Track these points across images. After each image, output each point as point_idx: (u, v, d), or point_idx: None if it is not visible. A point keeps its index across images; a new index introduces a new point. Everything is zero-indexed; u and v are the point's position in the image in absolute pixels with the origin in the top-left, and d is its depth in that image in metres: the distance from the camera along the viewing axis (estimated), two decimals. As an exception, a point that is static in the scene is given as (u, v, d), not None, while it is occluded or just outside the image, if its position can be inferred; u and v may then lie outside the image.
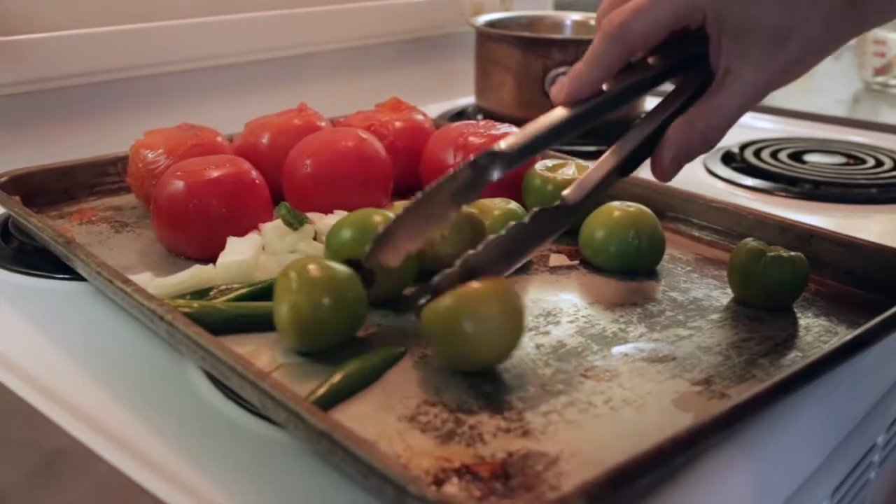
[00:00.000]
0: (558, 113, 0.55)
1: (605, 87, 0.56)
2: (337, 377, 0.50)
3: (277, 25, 1.10)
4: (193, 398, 0.52)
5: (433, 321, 0.51)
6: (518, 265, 0.56)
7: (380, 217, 0.62)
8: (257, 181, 0.70)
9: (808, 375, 0.49)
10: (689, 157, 0.56)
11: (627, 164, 0.57)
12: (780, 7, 0.51)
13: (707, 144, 0.55)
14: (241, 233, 0.67)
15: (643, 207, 0.69)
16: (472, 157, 0.54)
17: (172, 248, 0.69)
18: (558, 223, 0.56)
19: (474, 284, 0.50)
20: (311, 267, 0.53)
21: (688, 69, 0.57)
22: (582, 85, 0.55)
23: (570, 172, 0.74)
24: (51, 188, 0.79)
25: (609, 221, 0.67)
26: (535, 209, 0.55)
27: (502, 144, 0.53)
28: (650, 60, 0.57)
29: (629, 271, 0.67)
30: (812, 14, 0.51)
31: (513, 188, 0.75)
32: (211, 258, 0.64)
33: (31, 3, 0.93)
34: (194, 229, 0.67)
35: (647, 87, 0.57)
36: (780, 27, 0.51)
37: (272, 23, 1.09)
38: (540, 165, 0.74)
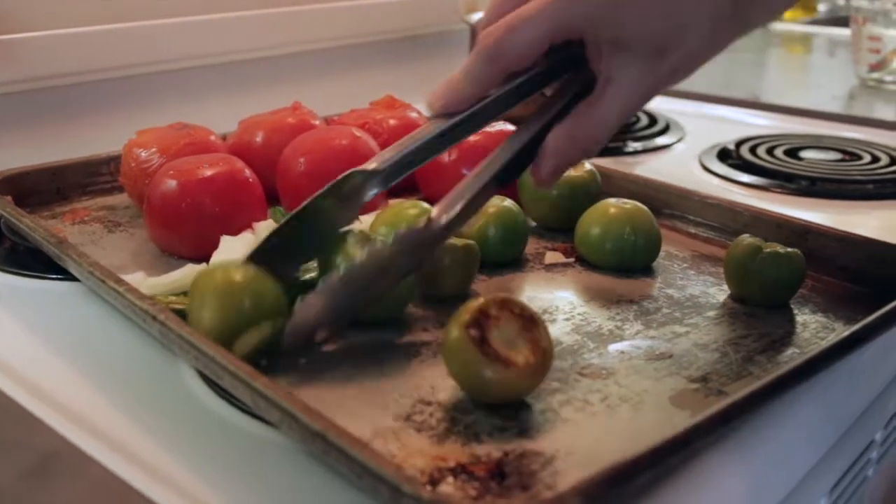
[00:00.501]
0: (433, 126, 0.54)
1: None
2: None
3: (271, 23, 1.09)
4: (187, 398, 0.51)
5: (455, 360, 0.48)
6: (376, 297, 0.52)
7: (415, 210, 0.61)
8: (250, 179, 0.70)
9: (805, 372, 0.49)
10: (569, 167, 0.55)
11: (506, 174, 0.53)
12: (660, 20, 0.50)
13: (586, 153, 0.54)
14: (235, 232, 0.66)
15: (639, 204, 0.68)
16: (342, 175, 0.53)
17: (165, 248, 0.69)
18: (427, 248, 0.51)
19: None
20: (225, 273, 0.52)
21: (569, 70, 0.55)
22: (459, 99, 0.53)
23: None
24: (43, 188, 0.79)
25: (605, 219, 0.67)
26: (398, 232, 0.50)
27: (373, 163, 0.52)
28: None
29: (625, 269, 0.67)
30: (693, 24, 0.50)
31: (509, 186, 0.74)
32: (204, 257, 0.63)
33: (22, 2, 0.92)
34: (187, 228, 0.67)
35: (526, 92, 0.55)
36: (660, 39, 0.50)
37: (266, 21, 1.09)
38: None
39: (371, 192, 0.54)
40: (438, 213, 0.51)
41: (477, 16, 1.14)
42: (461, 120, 0.54)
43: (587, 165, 0.74)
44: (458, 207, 0.51)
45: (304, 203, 0.55)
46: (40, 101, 0.93)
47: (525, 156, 0.54)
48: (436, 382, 0.51)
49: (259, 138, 0.80)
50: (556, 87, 0.56)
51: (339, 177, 0.54)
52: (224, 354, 0.47)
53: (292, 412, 0.42)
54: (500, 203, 0.67)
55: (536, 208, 0.73)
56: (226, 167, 0.69)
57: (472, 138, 0.75)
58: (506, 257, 0.67)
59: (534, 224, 0.74)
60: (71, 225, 0.75)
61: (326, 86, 1.16)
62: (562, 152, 0.53)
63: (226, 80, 1.07)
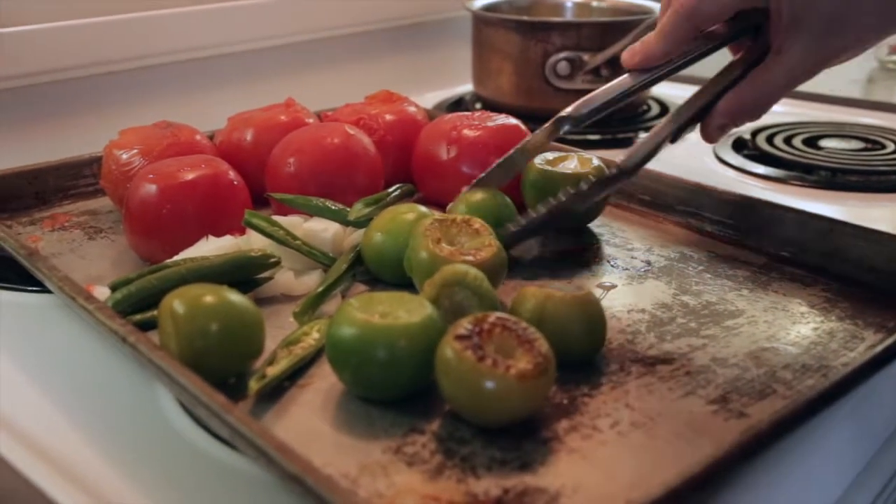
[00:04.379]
0: (630, 80, 0.62)
1: None
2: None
3: (262, 13, 1.05)
4: (164, 429, 0.47)
5: (451, 377, 0.44)
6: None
7: (412, 214, 0.59)
8: (235, 182, 0.66)
9: (834, 395, 0.45)
10: (735, 126, 0.61)
11: (679, 132, 0.61)
12: (836, 1, 0.54)
13: (752, 116, 0.60)
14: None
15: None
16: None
17: (146, 256, 0.65)
18: (614, 187, 0.62)
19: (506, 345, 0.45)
20: (192, 296, 0.48)
21: (747, 37, 0.61)
22: (653, 55, 0.61)
23: (571, 166, 0.69)
24: (21, 192, 0.75)
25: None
26: (595, 179, 0.61)
27: (569, 109, 0.63)
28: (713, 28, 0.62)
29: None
30: (868, 5, 0.54)
31: (510, 184, 0.69)
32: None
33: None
34: (168, 235, 0.63)
35: (706, 53, 0.62)
36: (837, 17, 0.54)
37: (257, 11, 1.04)
38: (539, 159, 0.69)
39: (564, 129, 0.64)
40: (626, 158, 0.60)
41: (479, 2, 1.10)
42: (651, 76, 0.62)
43: (594, 161, 0.69)
44: (640, 157, 0.60)
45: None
46: (18, 99, 0.89)
47: (696, 118, 0.61)
48: (430, 409, 0.46)
49: (249, 136, 0.76)
50: (736, 54, 0.62)
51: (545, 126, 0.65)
52: (195, 382, 0.43)
53: (267, 452, 0.38)
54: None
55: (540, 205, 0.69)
56: (209, 170, 0.65)
57: (473, 134, 0.72)
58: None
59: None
60: (50, 232, 0.71)
61: (321, 78, 1.12)
62: (730, 113, 0.59)
63: (215, 73, 1.02)
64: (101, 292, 0.56)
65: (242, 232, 0.64)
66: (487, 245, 0.56)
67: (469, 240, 0.57)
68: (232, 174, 0.66)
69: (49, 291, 0.60)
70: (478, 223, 0.57)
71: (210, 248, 0.60)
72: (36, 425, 0.48)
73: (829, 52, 0.56)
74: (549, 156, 0.70)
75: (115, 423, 0.48)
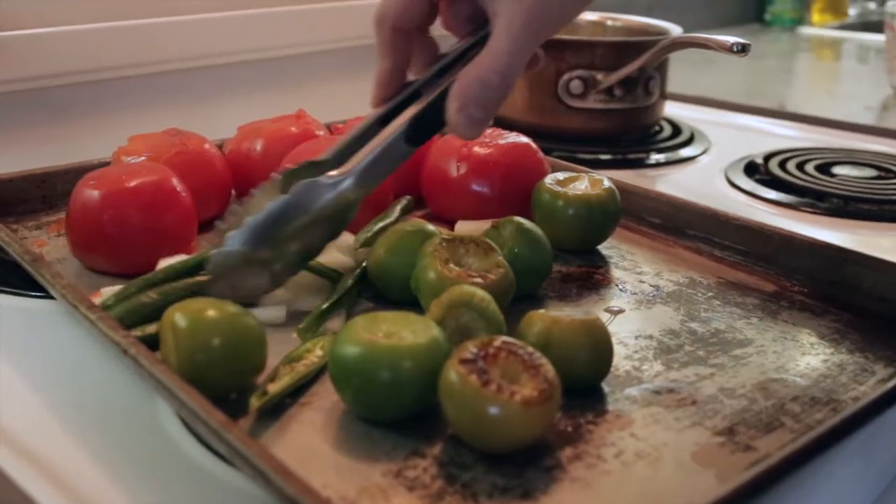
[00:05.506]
0: (372, 115, 0.56)
1: (410, 77, 0.57)
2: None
3: (275, 23, 1.05)
4: (164, 442, 0.47)
5: (454, 401, 0.44)
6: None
7: (417, 230, 0.59)
8: (180, 191, 0.65)
9: (846, 429, 0.44)
10: (479, 109, 0.53)
11: (415, 131, 0.55)
12: None
13: (488, 88, 0.52)
14: (163, 250, 0.62)
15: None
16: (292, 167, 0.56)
17: (89, 264, 0.64)
18: (324, 198, 0.54)
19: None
20: (194, 310, 0.48)
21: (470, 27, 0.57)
22: (383, 81, 0.56)
23: (581, 186, 0.68)
24: (29, 196, 0.74)
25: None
26: (299, 183, 0.53)
27: (322, 155, 0.56)
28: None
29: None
30: None
31: (520, 204, 0.69)
32: (130, 276, 0.59)
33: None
34: (109, 244, 0.62)
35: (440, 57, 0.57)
36: None
37: (270, 20, 1.04)
38: (550, 179, 0.69)
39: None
40: (343, 168, 0.54)
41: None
42: (399, 101, 0.56)
43: (605, 183, 0.69)
44: (362, 161, 0.54)
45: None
46: (29, 102, 0.88)
47: (437, 113, 0.54)
48: (433, 431, 0.46)
49: (258, 147, 0.75)
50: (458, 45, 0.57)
51: (290, 168, 0.56)
52: (195, 398, 0.42)
53: (265, 472, 0.37)
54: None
55: (549, 228, 0.68)
56: (153, 177, 0.64)
57: (484, 152, 0.71)
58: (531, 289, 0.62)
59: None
60: (56, 236, 0.70)
61: (332, 89, 1.11)
62: (462, 89, 0.52)
63: (227, 81, 1.02)
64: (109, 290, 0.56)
65: (189, 244, 0.64)
66: (496, 266, 0.55)
67: (477, 261, 0.56)
68: (175, 182, 0.65)
69: (53, 297, 0.59)
70: (486, 244, 0.57)
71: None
72: (34, 436, 0.47)
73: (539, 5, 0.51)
74: (560, 176, 0.70)
75: (115, 435, 0.48)
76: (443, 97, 0.53)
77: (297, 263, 0.58)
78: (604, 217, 0.68)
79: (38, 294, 0.62)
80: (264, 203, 0.53)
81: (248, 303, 0.56)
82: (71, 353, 0.56)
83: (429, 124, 0.55)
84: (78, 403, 0.51)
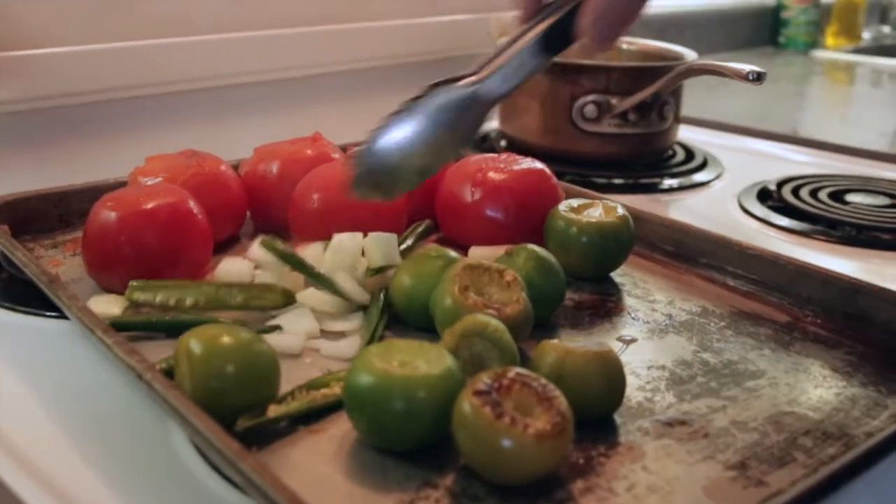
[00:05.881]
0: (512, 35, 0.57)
1: None
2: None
3: (292, 44, 1.05)
4: (176, 466, 0.47)
5: (468, 433, 0.44)
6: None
7: (440, 259, 0.59)
8: (196, 213, 0.65)
9: (859, 466, 0.44)
10: (608, 25, 0.54)
11: (548, 40, 0.56)
12: None
13: (618, 8, 0.53)
14: (178, 272, 0.63)
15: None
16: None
17: (105, 285, 0.64)
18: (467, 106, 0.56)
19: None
20: (208, 337, 0.48)
21: None
22: (521, 1, 0.56)
23: (596, 214, 0.69)
24: (46, 214, 0.75)
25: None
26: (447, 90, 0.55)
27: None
28: None
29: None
30: None
31: (534, 230, 0.69)
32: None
33: (32, 18, 0.89)
34: (126, 265, 0.62)
35: None
36: None
37: (287, 41, 1.05)
38: (564, 206, 0.69)
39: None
40: (481, 74, 0.55)
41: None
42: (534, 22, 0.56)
43: (619, 210, 0.69)
44: (497, 70, 0.55)
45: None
46: (47, 121, 0.89)
47: (569, 26, 0.54)
48: (445, 462, 0.46)
49: (274, 169, 0.75)
50: None
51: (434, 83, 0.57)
52: (210, 426, 0.42)
53: (278, 502, 0.37)
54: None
55: (563, 255, 0.69)
56: (170, 199, 0.65)
57: (499, 177, 0.71)
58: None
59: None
60: (72, 256, 0.71)
61: (349, 110, 1.12)
62: (594, 7, 0.53)
63: (243, 101, 1.03)
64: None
65: (205, 266, 0.65)
66: (515, 301, 0.55)
67: (498, 291, 0.56)
68: (192, 204, 0.65)
69: (68, 318, 0.60)
70: (510, 275, 0.56)
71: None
72: (47, 458, 0.48)
73: None
74: (574, 203, 0.70)
75: (128, 459, 0.48)
76: (575, 10, 0.54)
77: (417, 174, 0.59)
78: (617, 245, 0.68)
79: (53, 314, 0.62)
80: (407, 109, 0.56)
81: (266, 330, 0.57)
82: (86, 375, 0.56)
83: (561, 35, 0.55)
84: (92, 426, 0.51)
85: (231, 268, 0.63)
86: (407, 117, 0.56)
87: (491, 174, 0.72)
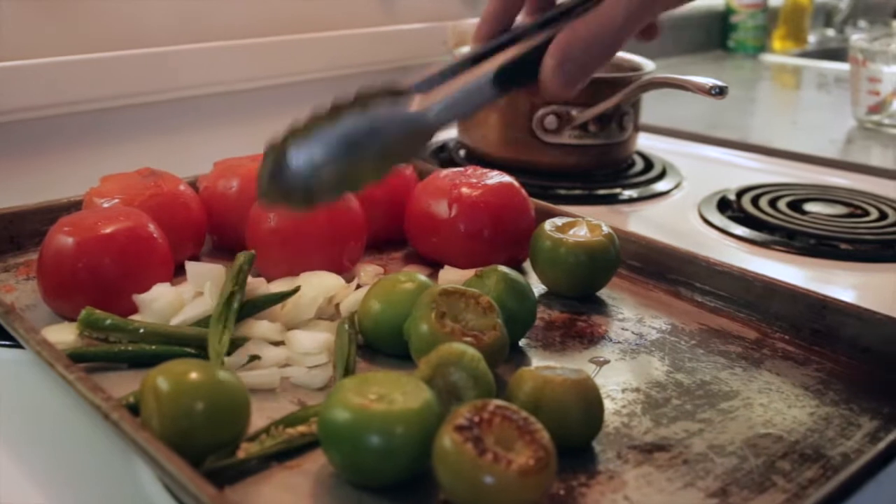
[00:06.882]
0: (465, 54, 0.53)
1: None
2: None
3: (251, 54, 1.03)
4: (142, 501, 0.45)
5: (449, 468, 0.43)
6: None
7: (410, 283, 0.58)
8: (156, 237, 0.64)
9: (839, 495, 0.44)
10: (578, 69, 0.51)
11: (505, 76, 0.52)
12: None
13: (591, 51, 0.50)
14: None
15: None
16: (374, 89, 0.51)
17: (60, 312, 0.63)
18: (412, 134, 0.51)
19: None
20: (176, 374, 0.47)
21: None
22: (488, 19, 0.54)
23: (581, 233, 0.68)
24: (-5, 236, 0.72)
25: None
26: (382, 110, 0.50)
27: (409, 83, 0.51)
28: None
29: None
30: None
31: (507, 245, 0.69)
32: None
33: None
34: (84, 292, 0.60)
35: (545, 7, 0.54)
36: None
37: (244, 52, 1.03)
38: (549, 225, 0.68)
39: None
40: (425, 102, 0.51)
41: (466, 49, 1.09)
42: (496, 44, 0.53)
43: (604, 228, 0.68)
44: (446, 98, 0.51)
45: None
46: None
47: (527, 64, 0.52)
48: (424, 497, 0.45)
49: (234, 186, 0.74)
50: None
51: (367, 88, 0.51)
52: (182, 469, 0.41)
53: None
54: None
55: (551, 274, 0.68)
56: (128, 223, 0.63)
57: (473, 193, 0.70)
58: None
59: (545, 290, 0.70)
60: (24, 280, 0.68)
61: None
62: (565, 48, 0.50)
63: (202, 113, 1.01)
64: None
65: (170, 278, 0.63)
66: (492, 328, 0.54)
67: (475, 318, 0.55)
68: (152, 228, 0.64)
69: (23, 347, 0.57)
70: (486, 301, 0.56)
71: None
72: (4, 493, 0.46)
73: None
74: (559, 221, 0.69)
75: (91, 495, 0.46)
76: (541, 48, 0.51)
77: (336, 189, 0.52)
78: (605, 263, 0.68)
79: (7, 343, 0.60)
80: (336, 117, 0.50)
81: (243, 367, 0.55)
82: (45, 407, 0.54)
83: (520, 72, 0.52)
84: (54, 462, 0.49)
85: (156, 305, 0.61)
86: (333, 129, 0.50)
87: (465, 190, 0.71)
